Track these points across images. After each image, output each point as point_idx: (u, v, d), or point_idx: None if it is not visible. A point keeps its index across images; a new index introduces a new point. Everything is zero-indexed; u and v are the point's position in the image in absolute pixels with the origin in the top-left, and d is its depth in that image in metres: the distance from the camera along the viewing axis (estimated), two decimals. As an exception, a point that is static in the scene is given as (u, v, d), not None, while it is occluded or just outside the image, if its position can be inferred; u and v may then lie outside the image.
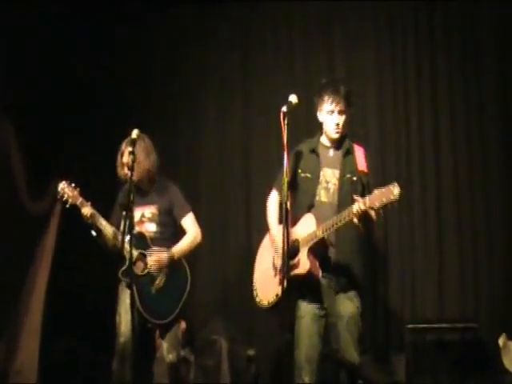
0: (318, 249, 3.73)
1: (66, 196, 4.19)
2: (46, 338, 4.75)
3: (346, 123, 3.82)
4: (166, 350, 4.18)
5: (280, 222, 3.76)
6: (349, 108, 3.82)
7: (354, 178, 3.78)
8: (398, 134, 5.45)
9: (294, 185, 3.85)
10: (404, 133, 5.43)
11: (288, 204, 3.42)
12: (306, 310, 3.80)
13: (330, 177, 3.82)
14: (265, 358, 5.19)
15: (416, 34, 5.44)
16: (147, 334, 4.20)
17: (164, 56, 6.04)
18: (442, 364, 4.79)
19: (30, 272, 4.83)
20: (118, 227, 4.17)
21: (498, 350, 4.56)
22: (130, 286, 3.78)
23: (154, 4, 5.79)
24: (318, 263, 3.73)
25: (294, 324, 3.76)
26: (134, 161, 3.73)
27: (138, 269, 4.17)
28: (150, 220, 4.28)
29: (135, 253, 4.11)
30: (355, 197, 3.53)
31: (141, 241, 4.17)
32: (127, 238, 3.75)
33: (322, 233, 3.66)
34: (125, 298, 4.11)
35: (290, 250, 3.63)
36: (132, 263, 3.90)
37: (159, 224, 4.28)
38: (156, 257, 4.18)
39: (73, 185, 4.22)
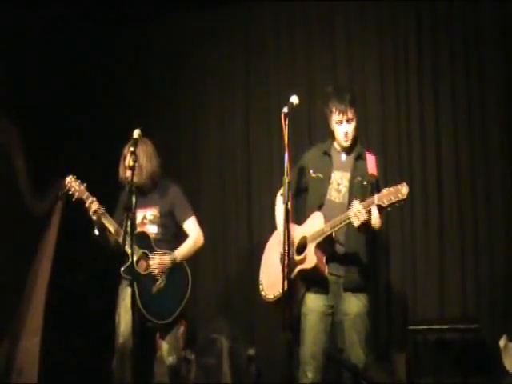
0: (326, 245, 3.79)
1: (72, 189, 4.18)
2: (47, 337, 4.75)
3: (355, 128, 3.90)
4: (166, 351, 4.18)
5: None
6: (356, 110, 3.88)
7: (364, 183, 3.84)
8: (399, 134, 5.43)
9: (304, 186, 3.99)
10: (405, 133, 5.41)
11: (289, 204, 3.43)
12: (312, 306, 3.85)
13: (341, 179, 3.89)
14: (265, 358, 5.19)
15: (418, 33, 5.42)
16: (148, 334, 4.18)
17: (164, 56, 6.05)
18: (443, 364, 4.78)
19: (30, 272, 4.83)
20: (120, 227, 4.16)
21: (499, 350, 4.56)
22: (131, 284, 3.77)
23: (154, 4, 5.78)
24: (324, 259, 3.80)
25: (299, 321, 3.83)
26: (135, 161, 3.72)
27: (141, 268, 4.16)
28: (152, 222, 4.27)
29: (138, 252, 4.12)
30: (354, 201, 3.64)
31: (144, 240, 4.17)
32: (130, 236, 3.74)
33: (330, 229, 3.73)
34: (125, 297, 4.12)
35: (299, 246, 3.80)
36: (134, 261, 3.91)
37: (161, 226, 4.28)
38: (159, 260, 4.17)
39: (79, 180, 4.21)
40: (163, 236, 4.27)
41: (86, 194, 4.17)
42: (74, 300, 5.25)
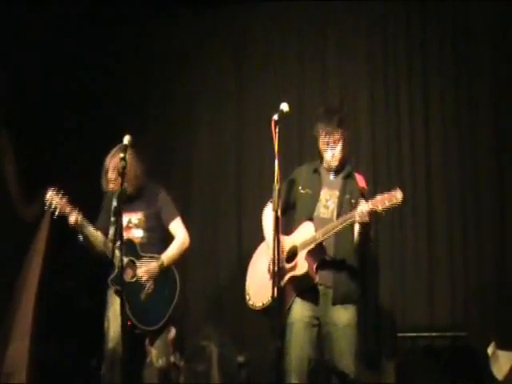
0: (316, 253, 3.80)
1: (54, 204, 4.15)
2: (36, 340, 4.74)
3: (343, 148, 3.93)
4: (155, 356, 4.18)
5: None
6: (345, 131, 3.91)
7: (353, 201, 3.85)
8: (388, 135, 5.45)
9: (292, 201, 4.01)
10: (395, 135, 5.43)
11: (279, 212, 3.45)
12: (298, 316, 3.84)
13: (329, 196, 3.91)
14: (256, 364, 5.18)
15: (408, 34, 5.45)
16: (137, 339, 4.18)
17: (161, 59, 6.05)
18: (432, 372, 4.79)
19: (20, 275, 4.82)
20: (104, 232, 4.18)
21: (487, 358, 4.57)
22: (119, 294, 3.76)
23: (154, 4, 5.80)
24: (315, 267, 3.80)
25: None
26: (124, 167, 3.70)
27: (128, 276, 4.16)
28: (137, 226, 4.28)
29: (124, 260, 4.10)
30: (360, 199, 3.66)
31: (130, 247, 4.16)
32: (117, 245, 3.74)
33: (322, 236, 3.75)
34: (113, 302, 4.10)
35: (289, 254, 3.82)
36: (122, 270, 3.91)
37: (146, 230, 4.28)
38: (145, 268, 4.17)
39: (61, 193, 4.18)
40: (149, 240, 4.27)
41: (68, 208, 4.15)
42: (64, 303, 5.23)
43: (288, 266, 3.81)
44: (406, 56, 5.46)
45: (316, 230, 3.79)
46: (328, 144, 3.91)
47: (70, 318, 5.21)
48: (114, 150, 4.21)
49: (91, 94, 5.86)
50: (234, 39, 5.96)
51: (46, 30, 5.45)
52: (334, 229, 3.71)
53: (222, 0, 5.81)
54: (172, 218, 4.33)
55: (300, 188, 3.98)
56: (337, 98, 5.53)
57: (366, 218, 3.60)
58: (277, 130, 3.46)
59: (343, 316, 3.80)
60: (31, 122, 5.13)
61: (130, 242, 4.19)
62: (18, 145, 4.80)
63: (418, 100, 5.39)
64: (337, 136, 3.89)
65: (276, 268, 3.35)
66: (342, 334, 3.78)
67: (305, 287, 3.84)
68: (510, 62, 5.16)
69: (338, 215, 3.83)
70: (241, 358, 5.12)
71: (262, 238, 4.18)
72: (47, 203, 4.18)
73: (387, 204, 3.54)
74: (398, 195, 3.53)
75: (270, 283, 3.76)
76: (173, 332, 4.39)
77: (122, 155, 3.72)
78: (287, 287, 3.83)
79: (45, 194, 4.24)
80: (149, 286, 4.18)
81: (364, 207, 3.60)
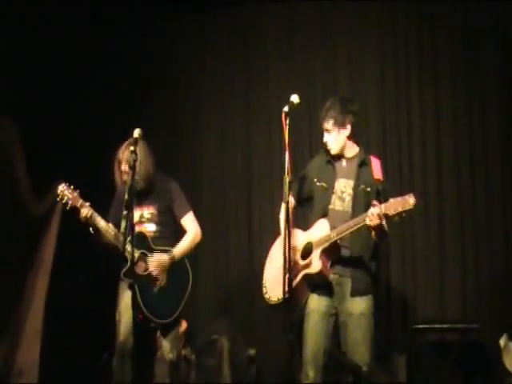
0: (331, 251, 3.81)
1: (65, 198, 4.17)
2: (48, 337, 4.74)
3: (337, 141, 3.92)
4: (167, 349, 4.18)
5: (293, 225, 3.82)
6: (342, 125, 3.89)
7: (368, 189, 3.85)
8: (399, 136, 5.43)
9: (308, 195, 4.03)
10: (405, 136, 5.41)
11: (290, 203, 3.47)
12: (315, 306, 3.88)
13: (344, 187, 3.91)
14: (266, 358, 5.19)
15: (418, 32, 5.43)
16: (148, 333, 4.18)
17: (164, 57, 6.06)
18: (443, 365, 4.77)
19: (31, 272, 4.82)
20: (115, 227, 4.17)
21: (499, 350, 4.55)
22: (132, 287, 3.77)
23: (154, 4, 5.79)
24: (329, 265, 3.82)
25: (302, 322, 3.85)
26: (135, 160, 3.69)
27: (140, 269, 4.17)
28: (149, 220, 4.28)
29: (137, 253, 4.11)
30: (373, 201, 3.62)
31: (142, 240, 4.17)
32: (128, 238, 3.74)
33: (337, 235, 3.75)
34: (125, 296, 4.11)
35: (304, 251, 3.83)
36: (134, 263, 3.91)
37: (159, 224, 4.29)
38: (157, 262, 4.18)
39: (72, 186, 4.19)
40: (161, 234, 4.28)
41: (80, 201, 4.16)
42: (75, 300, 5.24)
43: (303, 263, 3.82)
44: (417, 51, 5.43)
45: (331, 224, 3.79)
46: (323, 131, 3.94)
47: (81, 315, 5.22)
48: (126, 143, 4.20)
49: (91, 93, 5.87)
50: (235, 39, 5.95)
51: (45, 30, 5.45)
52: (348, 229, 3.71)
53: (221, 0, 5.79)
54: (184, 212, 4.34)
55: (316, 180, 3.98)
56: (347, 91, 5.49)
57: (377, 221, 3.59)
58: (287, 121, 3.45)
59: (359, 305, 3.82)
60: (33, 122, 5.13)
61: (142, 235, 4.20)
62: (28, 139, 4.79)
63: (429, 95, 5.35)
64: (328, 126, 3.91)
65: (287, 260, 3.33)
66: (356, 323, 3.80)
67: (319, 285, 3.86)
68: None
69: (354, 208, 3.83)
70: (251, 352, 5.12)
71: (271, 233, 4.21)
72: (59, 196, 4.19)
73: (400, 209, 3.52)
74: (411, 200, 3.50)
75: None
76: (184, 325, 4.39)
77: (132, 148, 3.72)
78: (302, 284, 3.83)
79: (55, 188, 4.25)
80: (161, 279, 4.18)
81: (375, 210, 3.57)
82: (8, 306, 4.72)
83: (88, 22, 5.80)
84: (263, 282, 4.05)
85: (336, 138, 3.91)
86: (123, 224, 3.70)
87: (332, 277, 3.84)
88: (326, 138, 3.95)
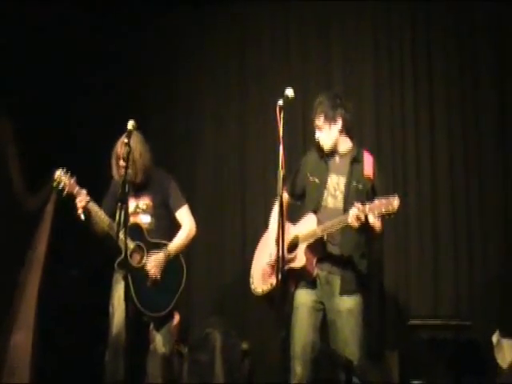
0: (317, 247, 3.81)
1: (62, 184, 4.15)
2: (40, 332, 4.73)
3: (329, 136, 3.90)
4: (160, 342, 4.17)
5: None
6: (333, 120, 3.88)
7: (360, 187, 3.84)
8: (393, 136, 5.45)
9: (302, 191, 4.02)
10: (400, 135, 5.43)
11: (283, 196, 3.47)
12: (302, 301, 3.86)
13: (337, 184, 3.89)
14: (259, 352, 5.20)
15: (413, 33, 5.45)
16: (141, 326, 4.18)
17: (162, 53, 6.05)
18: (436, 361, 4.78)
19: (23, 268, 4.80)
20: (110, 217, 4.16)
21: (492, 347, 4.56)
22: (125, 278, 3.75)
23: (154, 4, 5.80)
24: (314, 261, 3.81)
25: (290, 317, 3.82)
26: (129, 152, 3.68)
27: (134, 260, 4.16)
28: (145, 212, 4.27)
29: (131, 244, 4.11)
30: (355, 203, 3.62)
31: (137, 232, 4.17)
32: (123, 229, 3.72)
33: (321, 232, 3.75)
34: (118, 288, 4.10)
35: (290, 245, 3.81)
36: (128, 255, 3.90)
37: (154, 216, 4.27)
38: (154, 261, 4.16)
39: (69, 173, 4.18)
40: (157, 226, 4.26)
41: (77, 188, 4.14)
42: (68, 295, 5.22)
43: (288, 256, 3.79)
44: (411, 50, 5.44)
45: (321, 222, 3.78)
46: (315, 129, 3.94)
47: (73, 310, 5.21)
48: (124, 136, 4.18)
49: (91, 93, 5.86)
50: (231, 37, 5.96)
51: (45, 29, 5.44)
52: (332, 227, 3.72)
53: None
54: (179, 206, 4.33)
55: (309, 175, 3.98)
56: (341, 87, 5.50)
57: (356, 223, 3.59)
58: (281, 115, 3.44)
59: (348, 303, 3.80)
60: (33, 111, 5.12)
61: (137, 226, 4.20)
62: (21, 134, 4.79)
63: (424, 87, 5.38)
64: (318, 122, 3.90)
65: (281, 253, 3.33)
66: (345, 321, 3.77)
67: (304, 278, 3.85)
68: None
69: (345, 205, 3.81)
70: (244, 346, 5.12)
71: (266, 228, 4.19)
72: (55, 183, 4.17)
73: (383, 211, 3.51)
74: (394, 203, 3.49)
75: (272, 270, 3.85)
76: (177, 319, 4.38)
77: (125, 141, 3.70)
78: (288, 275, 3.81)
79: (49, 181, 4.24)
80: (157, 275, 4.17)
81: (354, 211, 3.58)
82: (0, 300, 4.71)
83: (88, 22, 5.79)
84: (251, 272, 4.07)
85: (328, 133, 3.91)
86: (118, 215, 3.69)
87: (321, 273, 3.83)
88: (318, 134, 3.94)
